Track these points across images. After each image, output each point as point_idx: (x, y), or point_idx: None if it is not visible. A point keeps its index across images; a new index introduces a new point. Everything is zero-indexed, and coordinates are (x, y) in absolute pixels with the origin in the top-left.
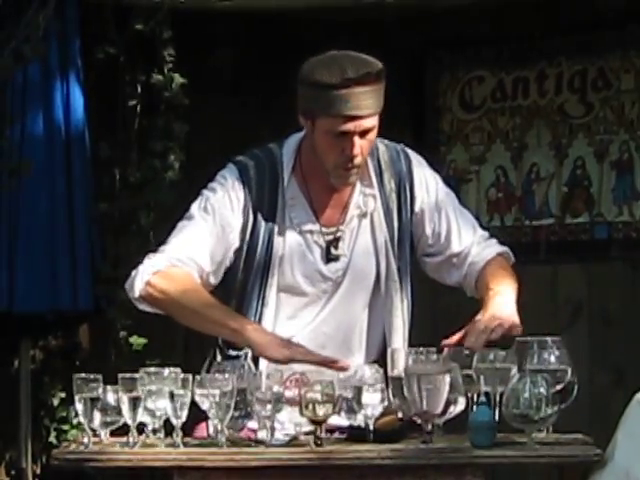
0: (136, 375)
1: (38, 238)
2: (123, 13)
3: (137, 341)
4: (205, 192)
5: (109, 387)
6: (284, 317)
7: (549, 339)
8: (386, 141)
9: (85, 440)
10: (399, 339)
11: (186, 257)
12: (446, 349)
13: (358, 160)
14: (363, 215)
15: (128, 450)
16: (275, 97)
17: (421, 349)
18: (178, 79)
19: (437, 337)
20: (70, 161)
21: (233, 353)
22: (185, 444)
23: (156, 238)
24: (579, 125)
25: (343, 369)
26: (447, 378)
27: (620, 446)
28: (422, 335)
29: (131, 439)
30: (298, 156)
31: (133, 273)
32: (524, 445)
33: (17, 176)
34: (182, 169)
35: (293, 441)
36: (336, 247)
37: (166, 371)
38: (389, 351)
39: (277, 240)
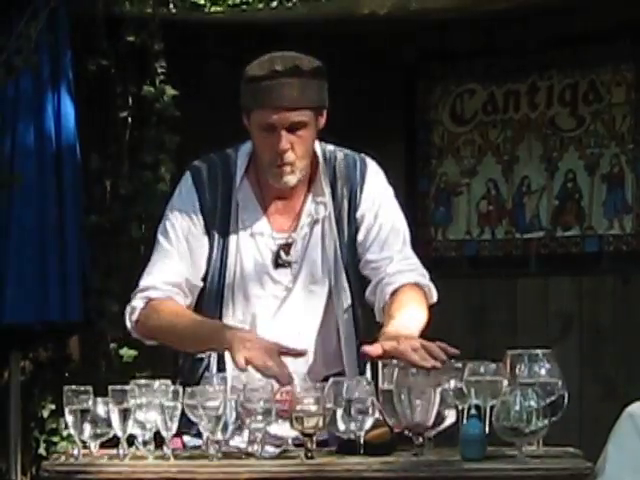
0: (126, 387)
1: (28, 249)
2: (114, 25)
3: (127, 353)
4: (166, 212)
5: (99, 399)
6: (237, 322)
7: (540, 352)
8: (347, 150)
9: (75, 452)
10: (351, 348)
11: (158, 285)
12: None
13: (289, 157)
14: (314, 222)
15: (118, 462)
16: None
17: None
18: (169, 91)
19: None
20: (61, 172)
21: (198, 356)
22: (175, 456)
23: (147, 250)
24: (570, 138)
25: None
26: (437, 391)
27: (611, 459)
28: None
29: (121, 451)
30: (252, 160)
31: (125, 313)
32: (514, 458)
33: (7, 188)
34: (173, 181)
35: (284, 454)
36: (287, 253)
37: (156, 383)
38: (380, 364)
39: (231, 241)
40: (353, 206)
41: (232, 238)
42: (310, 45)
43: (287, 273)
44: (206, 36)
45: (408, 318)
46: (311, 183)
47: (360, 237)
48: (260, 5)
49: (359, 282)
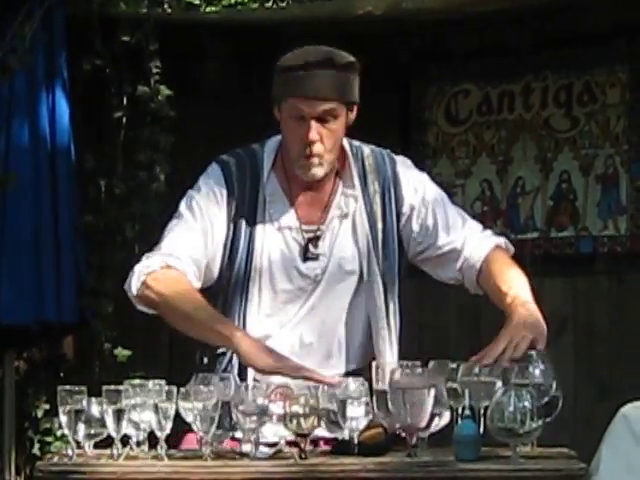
0: (120, 387)
1: (23, 249)
2: (110, 25)
3: (121, 353)
4: (190, 191)
5: (93, 399)
6: (263, 315)
7: (534, 353)
8: (372, 146)
9: (69, 452)
10: (384, 344)
11: (180, 254)
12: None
13: (318, 148)
14: (344, 216)
15: (112, 462)
16: (261, 109)
17: (406, 363)
18: (164, 91)
19: (421, 350)
20: (55, 173)
21: (220, 351)
22: (169, 457)
23: (141, 250)
24: (564, 139)
25: (331, 385)
26: (432, 392)
27: (604, 460)
28: (407, 349)
29: (115, 451)
30: (280, 154)
31: (131, 273)
32: (508, 459)
33: (2, 188)
34: (168, 181)
35: (278, 454)
36: (315, 246)
37: (150, 383)
38: (374, 364)
39: (258, 235)
40: (388, 201)
41: (259, 232)
42: (305, 45)
43: (315, 266)
44: (201, 36)
45: (520, 285)
46: (340, 176)
47: (415, 228)
48: (255, 5)
49: (395, 279)
